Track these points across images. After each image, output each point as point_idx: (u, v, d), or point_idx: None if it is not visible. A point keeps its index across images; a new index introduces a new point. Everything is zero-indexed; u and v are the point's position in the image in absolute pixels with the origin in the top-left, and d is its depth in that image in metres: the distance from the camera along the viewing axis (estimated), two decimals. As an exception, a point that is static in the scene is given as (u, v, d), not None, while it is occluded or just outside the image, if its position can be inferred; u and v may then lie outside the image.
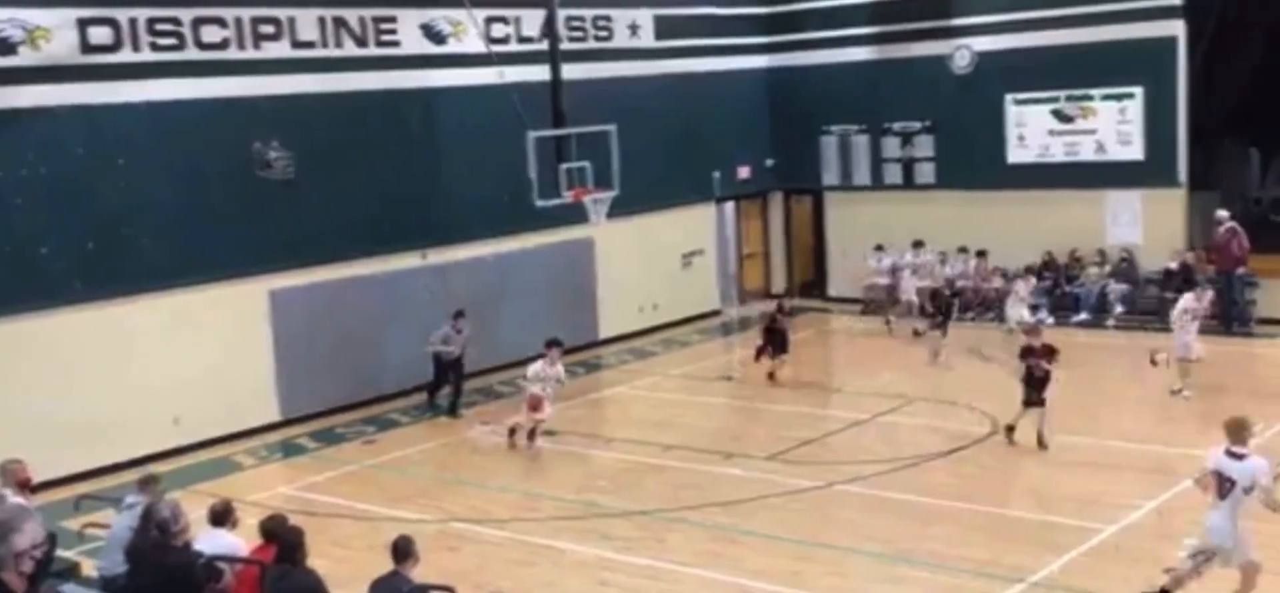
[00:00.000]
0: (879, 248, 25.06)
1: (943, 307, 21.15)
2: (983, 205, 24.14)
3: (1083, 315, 22.73)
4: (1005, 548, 12.12)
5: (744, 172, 26.59)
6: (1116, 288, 22.59)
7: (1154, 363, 17.29)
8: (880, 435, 16.45)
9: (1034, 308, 21.46)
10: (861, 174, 26.22)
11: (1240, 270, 21.39)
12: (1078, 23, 22.87)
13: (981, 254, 23.91)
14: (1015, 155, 24.17)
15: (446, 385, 19.01)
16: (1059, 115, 23.62)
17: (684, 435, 17.01)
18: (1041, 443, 15.32)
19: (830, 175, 26.64)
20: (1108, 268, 23.00)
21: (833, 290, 26.74)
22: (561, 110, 19.56)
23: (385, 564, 8.86)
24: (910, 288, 23.41)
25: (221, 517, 9.70)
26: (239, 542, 9.50)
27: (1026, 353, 15.77)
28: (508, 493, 14.87)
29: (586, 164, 19.54)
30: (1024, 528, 12.72)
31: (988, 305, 23.56)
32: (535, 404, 16.40)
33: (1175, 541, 11.78)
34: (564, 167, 19.25)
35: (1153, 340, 21.07)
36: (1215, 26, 22.47)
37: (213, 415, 17.60)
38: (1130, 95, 22.79)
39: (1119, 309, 22.43)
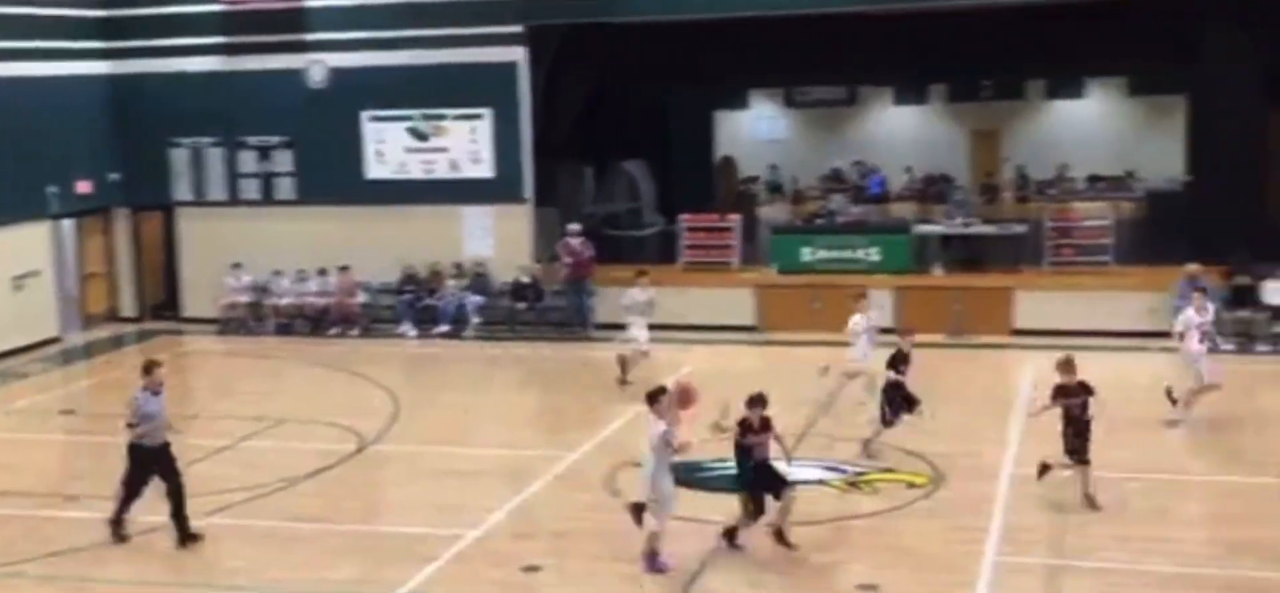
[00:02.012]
0: (237, 266, 24.26)
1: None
2: (344, 221, 24.14)
3: (443, 327, 23.45)
4: (375, 564, 12.10)
5: (84, 186, 24.46)
6: (473, 300, 23.56)
7: (1172, 400, 15.47)
8: (244, 461, 15.80)
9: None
10: (217, 189, 25.18)
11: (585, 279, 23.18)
12: (429, 45, 23.57)
13: (345, 269, 23.92)
14: (375, 171, 24.43)
15: None
16: (415, 133, 24.21)
17: (16, 479, 15.23)
18: (1094, 504, 12.71)
19: (182, 190, 25.33)
20: (465, 281, 23.93)
21: (189, 311, 25.41)
22: None
23: None
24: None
25: None
26: None
27: (1061, 393, 12.74)
28: None
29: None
30: (393, 542, 12.78)
31: (352, 320, 23.68)
32: None
33: (532, 538, 12.52)
34: None
35: (506, 350, 22.39)
36: (553, 55, 24.19)
37: None
38: (480, 116, 23.89)
39: (476, 320, 23.41)
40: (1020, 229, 23.46)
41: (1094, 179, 30.71)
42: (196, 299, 25.16)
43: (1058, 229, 22.97)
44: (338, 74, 24.16)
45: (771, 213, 30.45)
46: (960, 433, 15.51)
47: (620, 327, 19.82)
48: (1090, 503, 12.66)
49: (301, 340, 23.40)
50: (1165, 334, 19.78)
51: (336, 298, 23.89)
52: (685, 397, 11.58)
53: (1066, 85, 32.29)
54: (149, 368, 12.74)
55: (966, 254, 23.15)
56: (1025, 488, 13.39)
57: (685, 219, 24.27)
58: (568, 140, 25.55)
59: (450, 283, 23.88)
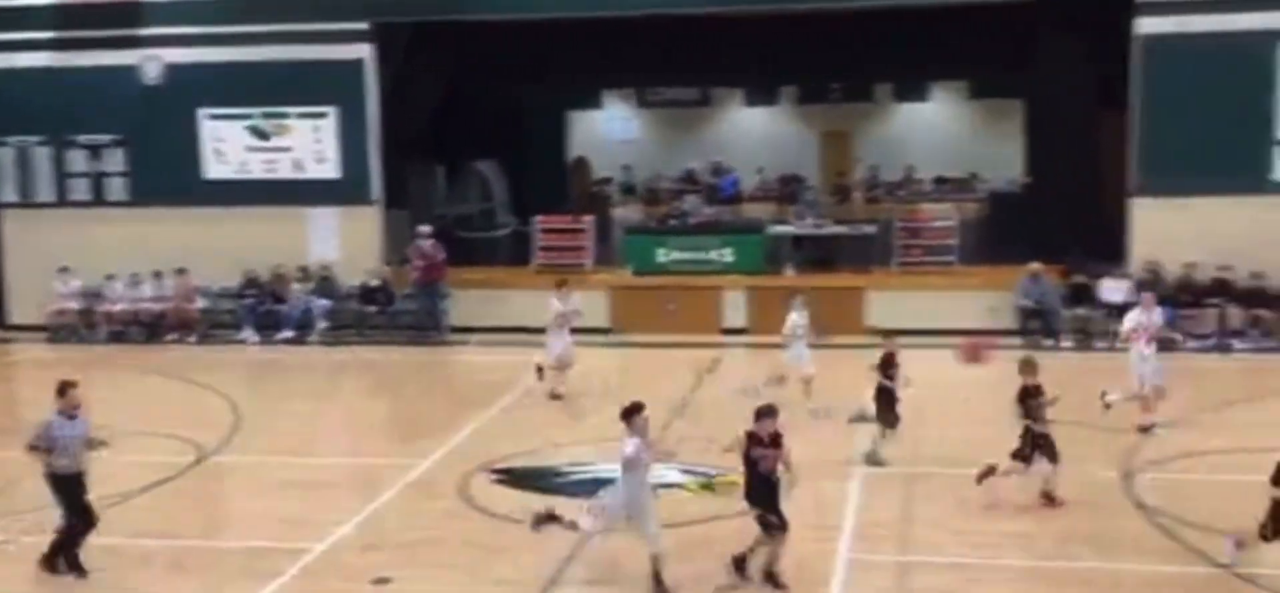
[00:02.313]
0: (65, 270, 23.17)
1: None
2: (181, 223, 23.23)
3: (287, 333, 22.75)
4: (216, 581, 11.57)
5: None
6: (319, 304, 22.92)
7: (1107, 406, 15.31)
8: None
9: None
10: (44, 190, 24.01)
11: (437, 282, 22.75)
12: (270, 40, 22.85)
13: (181, 272, 23.03)
14: (213, 171, 23.60)
15: None
16: (256, 132, 23.45)
17: None
18: (1055, 500, 12.80)
19: (8, 191, 24.10)
20: (310, 284, 23.26)
21: (16, 318, 24.17)
22: None
23: None
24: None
25: None
26: None
27: (1028, 394, 12.67)
28: None
29: None
30: (235, 558, 12.25)
31: (190, 327, 22.83)
32: None
33: (382, 549, 12.14)
34: None
35: (355, 355, 21.82)
36: (402, 52, 23.69)
37: None
38: (325, 114, 23.25)
39: (322, 325, 22.77)
40: (870, 230, 23.85)
41: (940, 181, 31.45)
42: (23, 306, 24.01)
43: (906, 229, 23.46)
44: (174, 70, 23.31)
45: (625, 214, 30.39)
46: (814, 432, 15.60)
47: (472, 330, 19.54)
48: (1049, 501, 12.72)
49: (136, 348, 22.54)
50: (1008, 332, 20.45)
51: (173, 303, 23.03)
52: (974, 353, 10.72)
53: (912, 89, 33.01)
54: (63, 389, 11.63)
55: (819, 254, 23.43)
56: (878, 486, 13.52)
57: (539, 220, 24.03)
58: (418, 140, 25.09)
59: (295, 287, 23.17)
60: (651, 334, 21.16)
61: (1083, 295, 20.88)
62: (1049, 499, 12.75)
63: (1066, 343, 20.49)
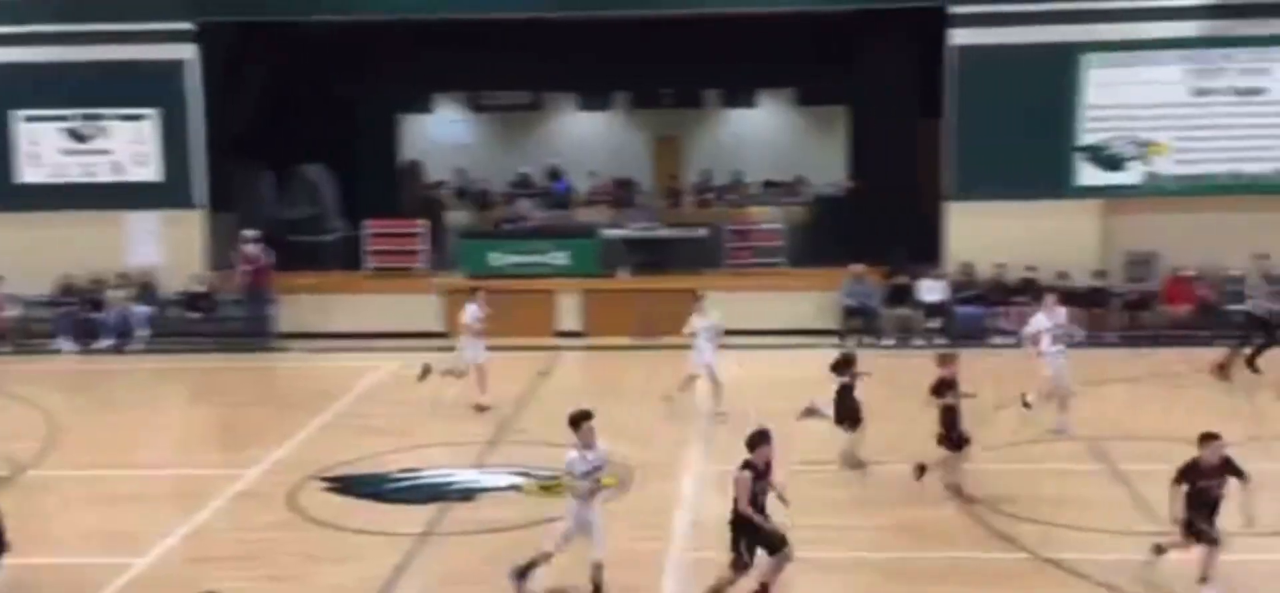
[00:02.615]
0: None
1: None
2: (-9, 228, 22.28)
3: (107, 341, 21.98)
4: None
5: None
6: (140, 311, 22.21)
7: (1026, 404, 15.49)
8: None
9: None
10: None
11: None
12: (88, 40, 22.08)
13: (-5, 279, 22.08)
14: (28, 175, 22.69)
15: None
16: (73, 135, 22.62)
17: None
18: (961, 493, 13.29)
19: None
20: (130, 291, 22.52)
21: None
22: None
23: None
24: None
25: None
26: None
27: (943, 386, 13.24)
28: None
29: None
30: (54, 576, 11.82)
31: (2, 336, 21.88)
32: None
33: (210, 562, 11.89)
34: None
35: (178, 363, 21.23)
36: (228, 53, 23.14)
37: None
38: (145, 116, 22.56)
39: (143, 333, 22.08)
40: (702, 233, 24.31)
41: (768, 184, 32.20)
42: None
43: (736, 232, 24.01)
44: (-15, 70, 22.31)
45: (459, 218, 30.25)
46: (647, 433, 15.86)
47: (301, 336, 19.19)
48: (957, 491, 13.18)
49: (-56, 359, 21.46)
50: (832, 332, 21.13)
51: (-11, 312, 22.01)
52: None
53: (740, 95, 33.71)
54: None
55: (652, 257, 23.77)
56: (709, 486, 13.83)
57: (370, 225, 23.75)
58: (246, 143, 24.51)
59: (113, 294, 22.41)
60: (486, 337, 21.12)
61: (903, 295, 21.70)
62: (957, 490, 13.20)
63: (887, 341, 21.26)
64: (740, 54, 25.26)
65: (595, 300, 22.03)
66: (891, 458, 14.18)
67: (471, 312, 17.23)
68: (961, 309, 21.25)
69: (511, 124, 35.07)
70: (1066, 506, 12.98)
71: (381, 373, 19.52)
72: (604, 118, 34.67)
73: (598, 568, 10.64)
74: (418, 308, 22.38)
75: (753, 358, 20.05)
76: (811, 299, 21.79)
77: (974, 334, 20.71)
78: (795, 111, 33.86)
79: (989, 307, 21.24)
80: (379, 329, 21.71)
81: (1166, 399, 17.61)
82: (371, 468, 14.77)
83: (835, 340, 20.79)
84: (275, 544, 12.40)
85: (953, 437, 13.26)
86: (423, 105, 33.86)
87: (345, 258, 24.74)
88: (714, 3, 22.85)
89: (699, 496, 13.71)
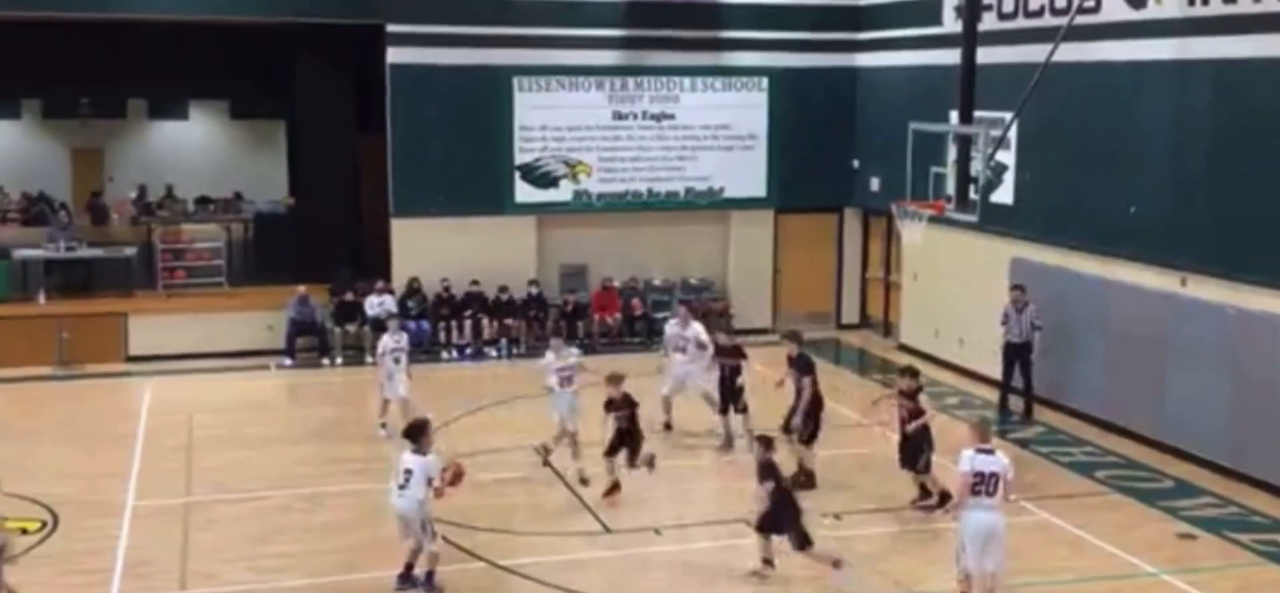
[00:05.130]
0: None
1: None
2: None
3: None
4: None
5: None
6: None
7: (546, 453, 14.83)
8: None
9: None
10: None
11: None
12: None
13: None
14: None
15: None
16: None
17: None
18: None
19: None
20: None
21: None
22: None
23: None
24: None
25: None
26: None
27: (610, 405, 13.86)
28: None
29: None
30: None
31: None
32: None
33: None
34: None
35: None
36: None
37: None
38: None
39: None
40: (130, 252, 22.82)
41: (203, 201, 30.71)
42: None
43: (169, 251, 22.81)
44: None
45: None
46: (77, 470, 14.62)
47: None
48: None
49: None
50: (279, 352, 20.61)
51: None
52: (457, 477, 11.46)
53: (170, 106, 31.94)
54: None
55: (75, 279, 21.94)
56: (150, 521, 13.01)
57: None
58: None
59: None
60: None
61: (351, 312, 21.53)
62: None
63: (340, 359, 21.05)
64: (167, 63, 23.82)
65: (9, 328, 19.93)
66: (335, 481, 13.99)
67: (384, 342, 16.50)
68: (410, 324, 21.48)
69: (-103, 133, 30.86)
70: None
71: None
72: (14, 127, 31.47)
73: None
74: None
75: (193, 383, 19.14)
76: (260, 319, 21.08)
77: (426, 348, 21.00)
78: (231, 124, 32.62)
79: (438, 321, 21.64)
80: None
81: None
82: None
83: (287, 360, 20.35)
84: None
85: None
86: None
87: None
88: (130, 7, 21.28)
89: (139, 533, 12.83)
